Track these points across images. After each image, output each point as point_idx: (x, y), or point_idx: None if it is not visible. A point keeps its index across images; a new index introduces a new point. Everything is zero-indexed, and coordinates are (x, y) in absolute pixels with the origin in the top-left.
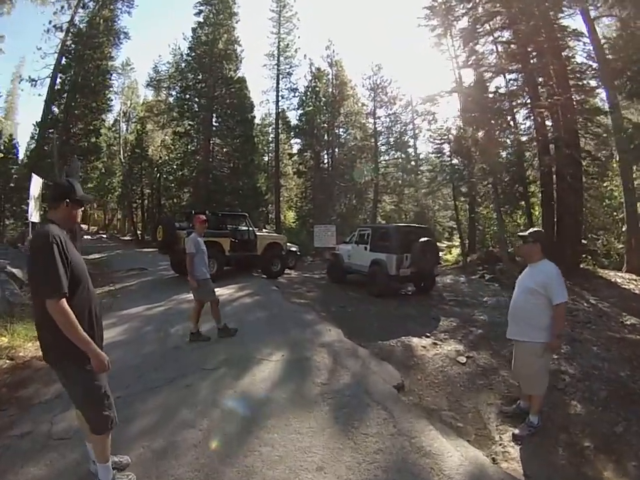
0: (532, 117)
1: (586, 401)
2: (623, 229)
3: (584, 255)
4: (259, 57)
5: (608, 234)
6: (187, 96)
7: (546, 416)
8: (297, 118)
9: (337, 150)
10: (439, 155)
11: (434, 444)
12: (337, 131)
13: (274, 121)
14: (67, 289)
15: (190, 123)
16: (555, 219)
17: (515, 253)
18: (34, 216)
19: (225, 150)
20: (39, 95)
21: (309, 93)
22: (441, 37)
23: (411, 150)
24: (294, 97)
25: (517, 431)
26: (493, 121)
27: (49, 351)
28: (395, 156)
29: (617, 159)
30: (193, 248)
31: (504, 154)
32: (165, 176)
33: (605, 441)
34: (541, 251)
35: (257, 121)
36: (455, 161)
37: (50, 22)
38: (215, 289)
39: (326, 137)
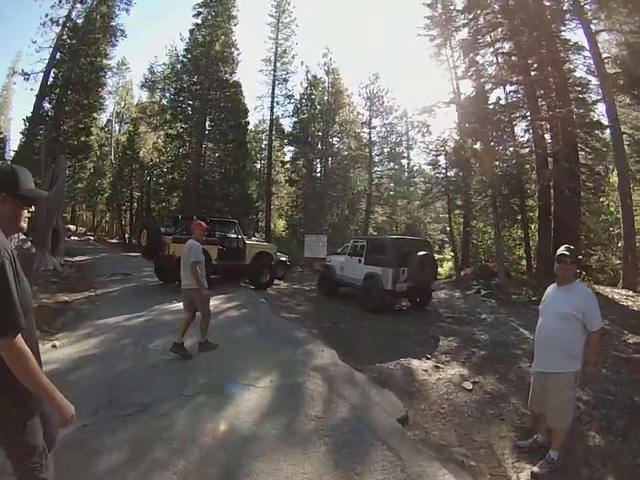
0: (531, 130)
1: (604, 431)
2: (619, 245)
3: (579, 271)
4: (255, 62)
5: (604, 249)
6: (181, 98)
7: (564, 449)
8: (291, 125)
9: (330, 159)
10: (434, 167)
11: None
12: (331, 140)
13: (268, 128)
14: (24, 322)
15: (183, 125)
16: (552, 234)
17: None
18: None
19: (217, 154)
20: (31, 89)
21: (304, 100)
22: (440, 47)
23: (404, 161)
24: (289, 103)
25: (535, 469)
26: (492, 133)
27: None
28: (389, 167)
29: (616, 173)
30: (201, 256)
31: (503, 166)
32: (154, 179)
33: (630, 476)
34: (575, 271)
35: (250, 127)
36: (450, 173)
37: (47, 15)
38: None
39: (320, 146)
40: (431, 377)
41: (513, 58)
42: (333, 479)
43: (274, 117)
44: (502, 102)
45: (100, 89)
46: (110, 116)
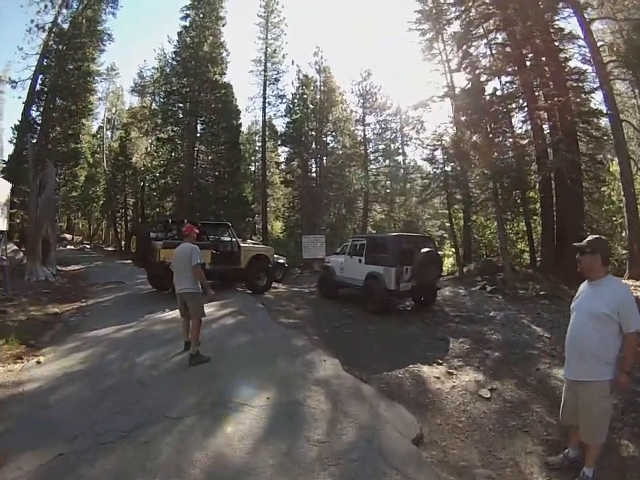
0: (529, 121)
1: (638, 439)
2: (623, 235)
3: None
4: (245, 63)
5: (609, 240)
6: (171, 101)
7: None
8: (284, 125)
9: (325, 158)
10: (431, 162)
11: None
12: (325, 139)
13: (261, 129)
14: None
15: (174, 128)
16: (555, 225)
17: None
18: (1, 224)
19: (209, 157)
20: (19, 97)
21: (296, 100)
22: (432, 40)
23: (400, 158)
24: (281, 103)
25: None
26: (490, 125)
27: None
28: (385, 164)
29: (616, 162)
30: (201, 258)
31: (503, 158)
32: (148, 184)
33: None
34: (602, 264)
35: (243, 129)
36: (448, 168)
37: (32, 21)
38: None
39: (314, 145)
40: (444, 385)
41: (507, 48)
42: None
43: (266, 117)
44: (498, 93)
45: (88, 95)
46: (101, 122)
